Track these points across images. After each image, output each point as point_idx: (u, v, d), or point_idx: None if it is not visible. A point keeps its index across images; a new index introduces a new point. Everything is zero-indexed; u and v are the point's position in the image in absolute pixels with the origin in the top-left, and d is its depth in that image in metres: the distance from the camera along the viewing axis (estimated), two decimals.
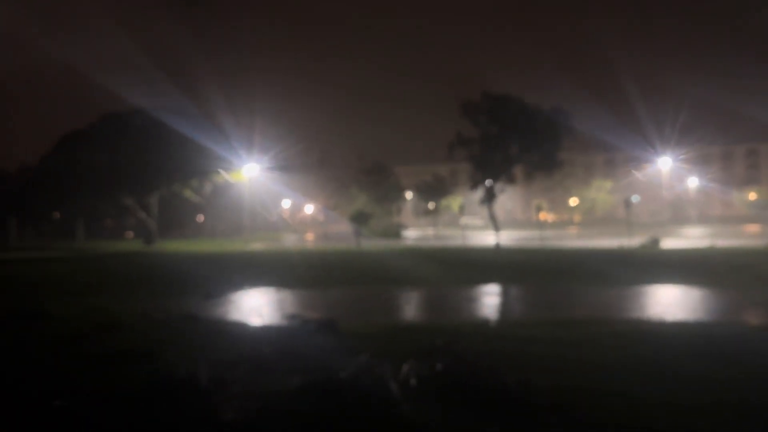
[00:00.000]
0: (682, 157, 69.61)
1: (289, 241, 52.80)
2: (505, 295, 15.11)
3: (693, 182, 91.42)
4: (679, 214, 74.16)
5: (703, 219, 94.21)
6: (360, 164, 69.61)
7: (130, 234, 63.28)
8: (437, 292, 15.31)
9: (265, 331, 9.25)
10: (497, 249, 31.83)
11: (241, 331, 9.32)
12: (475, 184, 40.54)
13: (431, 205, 74.65)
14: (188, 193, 46.27)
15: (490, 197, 37.59)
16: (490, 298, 14.70)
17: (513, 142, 36.68)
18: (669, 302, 13.28)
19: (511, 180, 38.32)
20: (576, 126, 38.32)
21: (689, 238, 43.14)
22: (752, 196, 66.47)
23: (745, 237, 44.45)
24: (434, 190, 73.10)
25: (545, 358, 6.83)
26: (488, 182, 38.45)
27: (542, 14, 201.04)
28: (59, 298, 13.96)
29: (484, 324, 10.02)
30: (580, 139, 41.22)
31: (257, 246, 41.86)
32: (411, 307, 13.17)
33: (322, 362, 6.41)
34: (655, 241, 34.41)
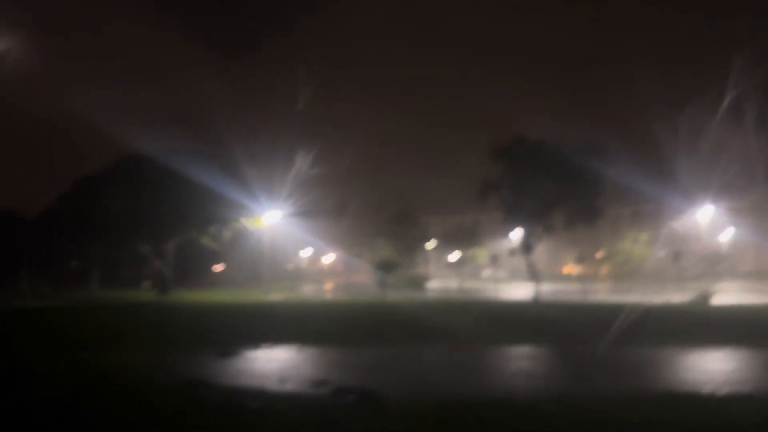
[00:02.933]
0: (718, 209, 66.92)
1: (309, 291, 50.91)
2: (565, 358, 12.89)
3: (727, 235, 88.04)
4: (710, 268, 70.87)
5: (735, 273, 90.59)
6: (382, 212, 68.04)
7: (147, 283, 61.91)
8: (485, 353, 13.19)
9: (291, 406, 7.25)
10: (536, 303, 29.57)
11: (261, 405, 7.34)
12: (505, 232, 38.64)
13: (456, 255, 72.50)
14: (206, 241, 44.80)
15: (527, 246, 35.42)
16: (549, 362, 12.52)
17: (548, 186, 34.61)
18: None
19: (549, 229, 36.19)
20: (611, 170, 36.15)
21: (729, 293, 40.42)
22: None
23: None
24: (460, 239, 71.08)
25: None
26: (521, 230, 36.48)
27: (573, 61, 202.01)
28: (50, 352, 12.14)
29: (563, 398, 7.86)
30: (608, 191, 39.17)
31: (276, 296, 40.00)
32: (461, 372, 11.02)
33: None
34: (706, 297, 31.88)
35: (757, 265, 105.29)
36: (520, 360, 12.24)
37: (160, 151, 40.07)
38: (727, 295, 38.30)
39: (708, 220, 55.87)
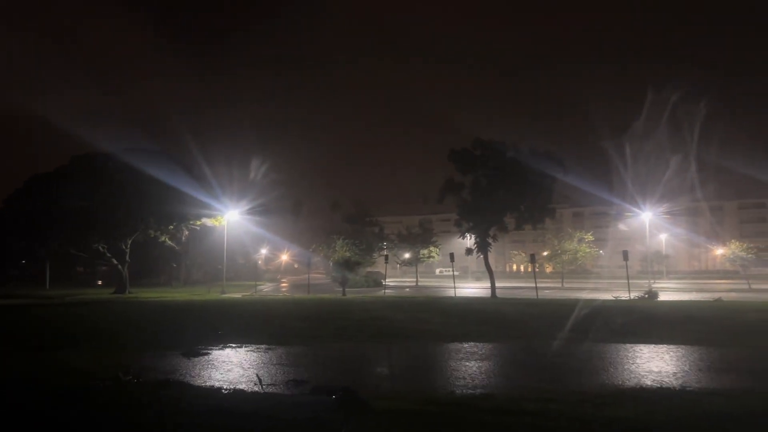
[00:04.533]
0: (660, 212, 69.74)
1: (268, 289, 50.56)
2: (532, 354, 13.34)
3: (665, 237, 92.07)
4: (650, 267, 74.12)
5: (672, 272, 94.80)
6: (339, 212, 68.21)
7: (102, 281, 60.39)
8: (451, 349, 13.51)
9: (270, 406, 7.36)
10: (494, 300, 30.27)
11: (240, 406, 7.41)
12: (463, 232, 39.30)
13: (411, 254, 73.20)
14: (163, 239, 43.99)
15: (483, 246, 36.17)
16: (517, 358, 12.93)
17: (504, 189, 35.58)
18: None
19: (503, 229, 37.06)
20: (565, 176, 37.38)
21: (671, 291, 42.20)
22: (727, 250, 66.59)
23: (723, 291, 43.79)
24: (415, 238, 71.82)
25: None
26: (477, 231, 37.19)
27: (525, 68, 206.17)
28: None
29: (540, 394, 8.19)
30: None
31: (235, 294, 39.67)
32: (431, 370, 11.31)
33: None
34: (653, 294, 33.34)
35: (691, 265, 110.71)
36: (487, 356, 12.57)
37: (117, 149, 39.25)
38: (669, 293, 40.02)
39: (648, 223, 58.26)
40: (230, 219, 46.14)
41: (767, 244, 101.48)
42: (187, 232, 45.15)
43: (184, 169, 40.26)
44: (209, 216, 43.64)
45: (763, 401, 7.77)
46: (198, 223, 43.97)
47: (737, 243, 65.25)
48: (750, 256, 62.22)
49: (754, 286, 51.28)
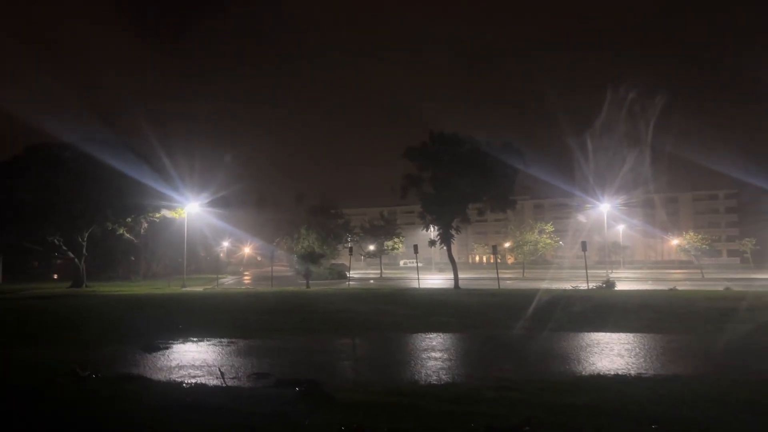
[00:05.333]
0: (617, 204, 71.51)
1: (230, 282, 50.00)
2: (493, 342, 13.56)
3: (622, 228, 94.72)
4: (608, 258, 76.20)
5: (629, 262, 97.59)
6: (302, 204, 67.82)
7: (58, 275, 58.82)
8: (415, 340, 13.62)
9: (233, 400, 7.30)
10: (457, 291, 30.59)
11: (202, 400, 7.34)
12: (426, 224, 39.53)
13: (375, 246, 73.40)
14: (122, 232, 43.02)
15: (446, 237, 36.45)
16: (479, 347, 13.11)
17: (465, 181, 35.85)
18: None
19: (466, 220, 37.40)
20: (526, 167, 37.89)
21: (628, 281, 43.33)
22: (681, 241, 68.71)
23: (677, 280, 45.20)
24: (379, 231, 72.00)
25: None
26: (440, 223, 37.46)
27: (486, 63, 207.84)
28: None
29: (506, 384, 8.31)
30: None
31: (196, 288, 39.13)
32: (396, 361, 11.38)
33: None
34: (610, 284, 34.19)
35: (648, 255, 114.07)
36: (449, 347, 12.71)
37: (74, 139, 38.11)
38: (626, 282, 41.09)
39: (606, 214, 59.75)
40: (191, 211, 45.39)
41: (720, 234, 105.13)
42: (146, 225, 44.22)
43: (143, 160, 39.40)
44: (169, 208, 42.85)
45: (713, 386, 8.06)
46: (157, 215, 43.12)
47: (691, 234, 67.30)
48: (704, 246, 64.27)
49: (707, 276, 53.02)
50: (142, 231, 44.48)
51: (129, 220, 41.92)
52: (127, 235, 43.71)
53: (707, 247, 64.78)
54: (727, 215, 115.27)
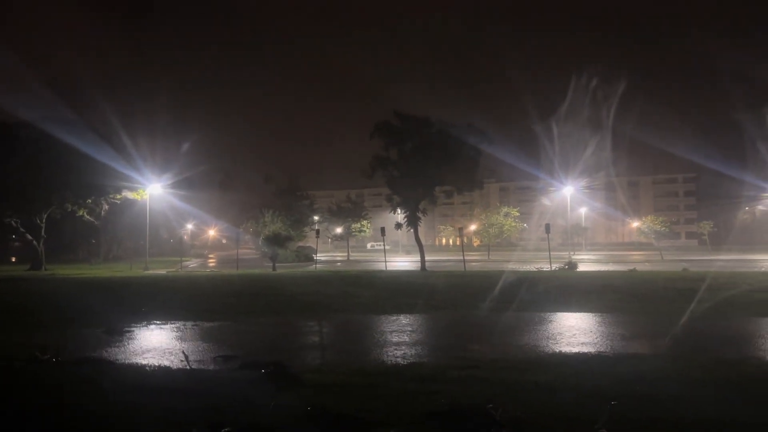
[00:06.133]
0: (580, 187, 72.85)
1: (194, 265, 49.39)
2: (459, 323, 13.71)
3: (584, 211, 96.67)
4: (570, 240, 77.72)
5: (591, 244, 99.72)
6: (270, 185, 67.22)
7: (16, 258, 57.25)
8: (382, 322, 13.68)
9: (197, 383, 7.23)
10: (424, 273, 30.79)
11: (165, 383, 7.25)
12: (394, 207, 39.61)
13: (342, 228, 73.29)
14: (81, 213, 41.95)
15: (412, 220, 36.57)
16: (445, 328, 13.24)
17: (431, 162, 35.92)
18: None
19: (433, 201, 37.58)
20: (490, 147, 38.09)
21: (590, 262, 44.28)
22: (641, 223, 70.37)
23: (637, 261, 46.39)
24: (346, 213, 71.87)
25: None
26: (407, 205, 37.57)
27: (458, 42, 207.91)
28: None
29: (471, 363, 8.40)
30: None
31: (159, 270, 38.55)
32: (363, 343, 11.41)
33: None
34: (573, 265, 34.90)
35: (609, 237, 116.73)
36: (415, 327, 12.80)
37: (32, 117, 36.81)
38: (588, 264, 41.98)
39: (569, 197, 60.82)
40: (153, 193, 44.51)
41: (679, 217, 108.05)
42: (106, 206, 43.20)
43: (104, 140, 38.33)
44: (131, 189, 41.92)
45: (671, 364, 8.30)
46: (118, 196, 42.14)
47: (651, 216, 68.99)
48: (663, 229, 65.95)
49: (666, 257, 54.48)
50: (103, 213, 43.45)
51: (89, 201, 40.86)
52: (88, 217, 42.65)
53: (666, 230, 66.49)
54: (685, 198, 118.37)
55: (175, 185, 47.95)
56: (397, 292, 19.57)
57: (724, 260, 39.71)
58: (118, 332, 12.17)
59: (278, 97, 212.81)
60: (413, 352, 9.87)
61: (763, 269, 30.84)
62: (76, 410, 5.93)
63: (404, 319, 13.89)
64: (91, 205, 41.36)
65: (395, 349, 10.08)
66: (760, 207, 79.53)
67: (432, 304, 16.54)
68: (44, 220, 40.45)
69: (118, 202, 43.45)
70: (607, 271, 31.87)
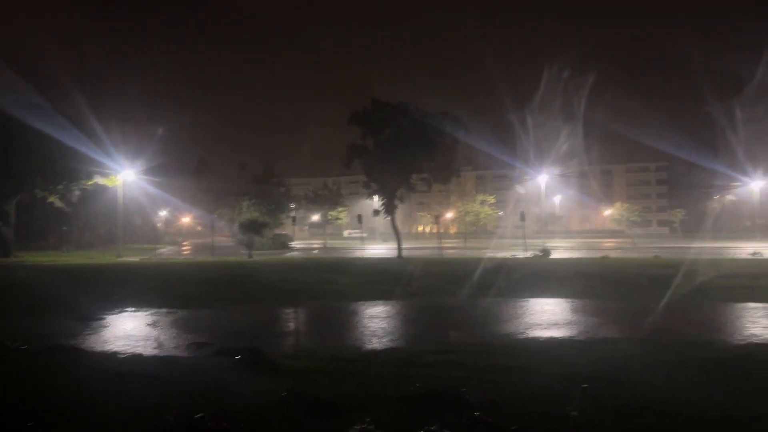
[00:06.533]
0: (554, 175, 73.67)
1: (168, 253, 48.85)
2: (436, 310, 13.80)
3: (559, 199, 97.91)
4: (545, 227, 78.62)
5: (565, 232, 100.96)
6: (245, 172, 66.67)
7: None
8: (358, 309, 13.71)
9: (171, 370, 7.17)
10: (401, 260, 30.88)
11: (138, 370, 7.17)
12: (370, 194, 39.57)
13: (319, 216, 73.13)
14: (52, 200, 41.10)
15: (389, 207, 36.57)
16: (425, 313, 13.32)
17: (408, 150, 35.86)
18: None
19: (410, 188, 37.61)
20: (465, 135, 38.12)
21: (563, 250, 44.83)
22: (614, 211, 71.35)
23: (610, 249, 47.14)
24: (323, 200, 71.67)
25: None
26: (384, 192, 37.56)
27: (436, 30, 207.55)
28: None
29: (446, 348, 8.48)
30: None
31: (132, 258, 38.05)
32: (343, 327, 11.41)
33: None
34: (547, 252, 35.28)
35: (583, 225, 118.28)
36: (392, 314, 12.86)
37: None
38: (562, 251, 42.48)
39: (544, 185, 61.43)
40: (127, 179, 43.79)
41: (651, 205, 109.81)
42: (78, 193, 42.32)
43: (74, 125, 37.50)
44: (103, 175, 41.14)
45: (641, 348, 8.47)
46: (90, 182, 41.32)
47: (624, 204, 70.00)
48: (634, 217, 66.98)
49: (638, 245, 55.37)
50: (74, 199, 42.53)
51: (60, 187, 40.00)
52: (59, 204, 41.79)
53: (638, 218, 67.53)
54: (657, 187, 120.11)
55: (149, 172, 47.20)
56: (374, 279, 19.61)
57: (695, 248, 40.51)
58: (91, 320, 12.02)
59: (254, 84, 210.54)
60: (389, 338, 9.92)
61: (731, 256, 31.55)
62: (46, 398, 5.84)
63: (381, 306, 13.95)
64: (62, 191, 40.49)
65: (371, 336, 10.12)
66: (730, 196, 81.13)
67: (408, 291, 16.61)
68: (13, 207, 39.58)
69: (90, 188, 42.60)
70: (580, 258, 32.28)
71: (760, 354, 8.07)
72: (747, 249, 37.54)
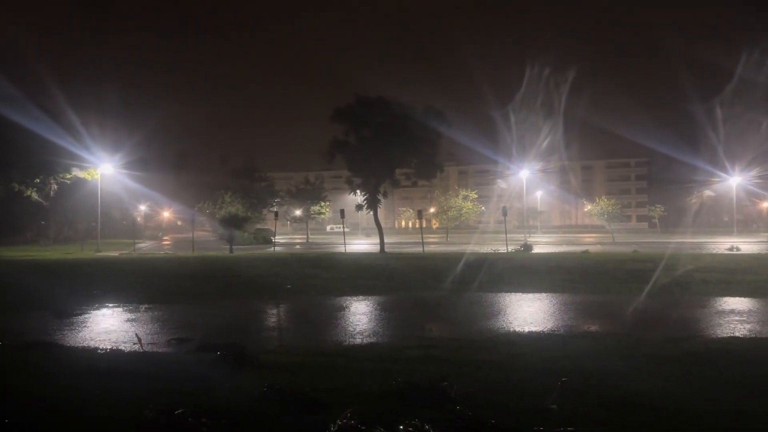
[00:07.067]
0: (536, 171, 73.98)
1: (148, 247, 48.35)
2: (419, 304, 13.83)
3: (540, 194, 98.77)
4: (526, 222, 79.12)
5: (546, 227, 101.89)
6: (226, 166, 66.17)
7: None
8: (341, 303, 13.69)
9: (151, 365, 7.10)
10: (384, 255, 30.90)
11: (117, 366, 7.09)
12: (353, 189, 39.50)
13: (301, 210, 72.81)
14: (29, 193, 40.47)
15: (373, 202, 36.53)
16: (407, 308, 13.33)
17: (391, 145, 35.81)
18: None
19: (394, 184, 37.59)
20: (448, 130, 38.14)
21: (544, 244, 45.21)
22: (595, 206, 71.99)
23: (590, 243, 47.63)
24: (305, 195, 71.34)
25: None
26: (366, 187, 37.50)
27: (421, 26, 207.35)
28: None
29: (427, 343, 8.50)
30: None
31: (112, 252, 37.62)
32: (325, 322, 11.38)
33: None
34: (528, 247, 35.52)
35: (563, 220, 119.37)
36: (374, 308, 12.86)
37: None
38: (543, 246, 42.81)
39: (525, 181, 61.80)
40: (105, 173, 43.22)
41: (631, 201, 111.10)
42: (56, 186, 41.73)
43: (51, 117, 36.91)
44: (81, 168, 40.60)
45: (620, 342, 8.57)
46: (68, 176, 40.78)
47: (604, 199, 70.58)
48: (614, 212, 67.60)
49: (617, 240, 55.97)
50: (52, 193, 41.94)
51: (37, 180, 39.41)
52: (36, 197, 41.16)
53: (617, 213, 68.18)
54: (637, 182, 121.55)
55: (128, 165, 46.66)
56: (356, 274, 19.60)
57: (674, 243, 41.07)
58: (69, 315, 11.86)
59: (236, 78, 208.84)
60: (371, 332, 9.93)
61: (709, 251, 32.03)
62: (23, 395, 5.76)
63: (363, 301, 13.95)
64: (39, 184, 39.89)
65: (354, 330, 10.11)
66: (708, 192, 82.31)
67: (391, 286, 16.64)
68: None
69: (68, 182, 42.04)
70: (561, 253, 32.57)
71: (739, 348, 8.20)
72: (725, 244, 38.14)
